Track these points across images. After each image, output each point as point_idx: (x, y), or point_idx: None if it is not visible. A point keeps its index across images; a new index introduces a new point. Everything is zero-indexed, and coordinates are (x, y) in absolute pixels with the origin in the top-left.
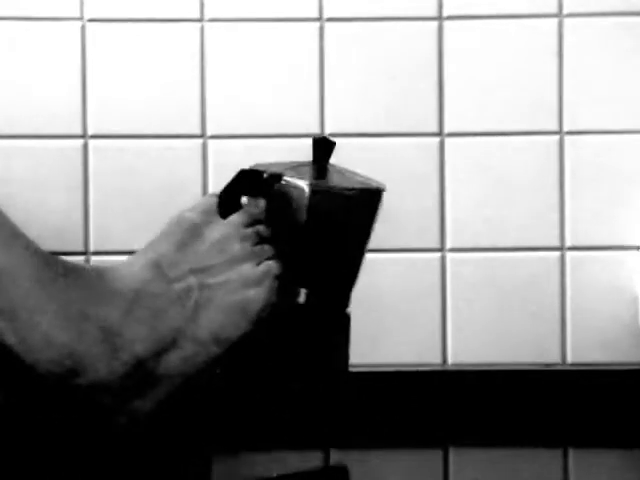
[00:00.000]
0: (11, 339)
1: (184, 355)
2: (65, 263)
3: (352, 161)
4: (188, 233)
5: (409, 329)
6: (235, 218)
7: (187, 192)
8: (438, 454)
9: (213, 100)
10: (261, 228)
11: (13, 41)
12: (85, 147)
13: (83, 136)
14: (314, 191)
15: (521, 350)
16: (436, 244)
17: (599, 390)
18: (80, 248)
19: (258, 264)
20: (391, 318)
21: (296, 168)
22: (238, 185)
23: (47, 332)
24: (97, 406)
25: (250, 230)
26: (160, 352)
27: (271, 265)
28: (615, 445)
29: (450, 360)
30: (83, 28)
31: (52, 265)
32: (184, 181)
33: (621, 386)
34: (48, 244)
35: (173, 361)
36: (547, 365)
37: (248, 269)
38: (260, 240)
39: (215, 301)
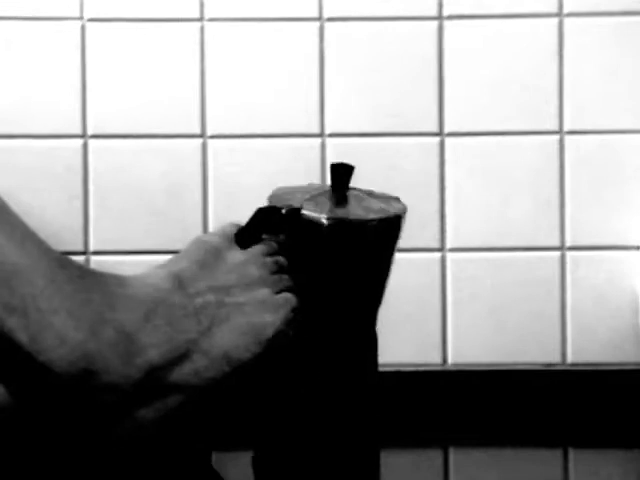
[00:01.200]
0: (23, 337)
1: (195, 368)
2: (82, 266)
3: (352, 161)
4: (209, 254)
5: (409, 329)
6: (256, 248)
7: (187, 192)
8: (438, 454)
9: (213, 100)
10: (281, 259)
11: (13, 41)
12: (85, 147)
13: (83, 136)
14: (332, 225)
15: (521, 350)
16: (436, 244)
17: (599, 390)
18: (80, 248)
19: (276, 292)
20: (391, 318)
21: (315, 198)
22: (257, 224)
23: (60, 331)
24: (106, 409)
25: (270, 259)
26: (173, 362)
27: (289, 296)
28: (615, 445)
29: (450, 360)
30: (83, 28)
31: (67, 266)
32: (184, 181)
33: (621, 386)
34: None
35: (184, 373)
36: (547, 365)
37: (265, 294)
38: (279, 270)
39: (230, 320)
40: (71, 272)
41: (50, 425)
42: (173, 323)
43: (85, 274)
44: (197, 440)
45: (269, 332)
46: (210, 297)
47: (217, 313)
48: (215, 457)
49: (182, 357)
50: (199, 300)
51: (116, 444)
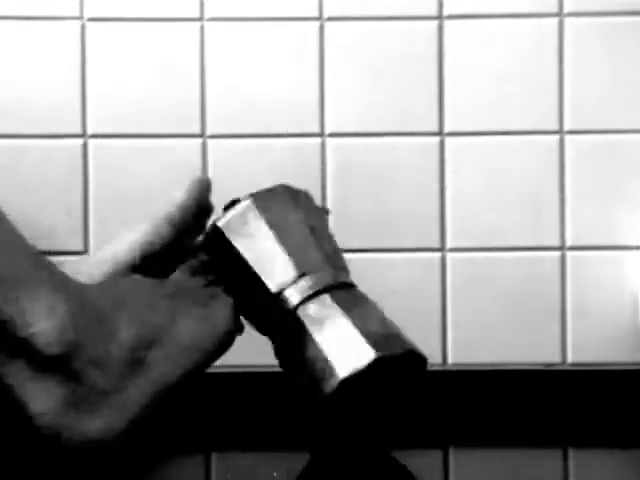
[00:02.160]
0: (11, 310)
1: (168, 354)
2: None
3: (352, 161)
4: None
5: (409, 329)
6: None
7: None
8: (438, 454)
9: (213, 100)
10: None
11: (13, 41)
12: (85, 147)
13: (83, 136)
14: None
15: (521, 350)
16: (436, 244)
17: (599, 390)
18: (80, 248)
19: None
20: (391, 318)
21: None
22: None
23: (49, 302)
24: (92, 386)
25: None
26: (147, 345)
27: (227, 298)
28: (615, 445)
29: (450, 360)
30: (83, 28)
31: (39, 253)
32: (184, 181)
33: (621, 386)
34: (48, 244)
35: (159, 356)
36: (547, 365)
37: (207, 296)
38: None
39: (191, 313)
40: (44, 257)
41: (42, 409)
42: (143, 308)
43: (57, 260)
44: (196, 440)
45: (223, 326)
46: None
47: (177, 306)
48: (215, 457)
49: (154, 341)
50: (162, 290)
51: (102, 426)
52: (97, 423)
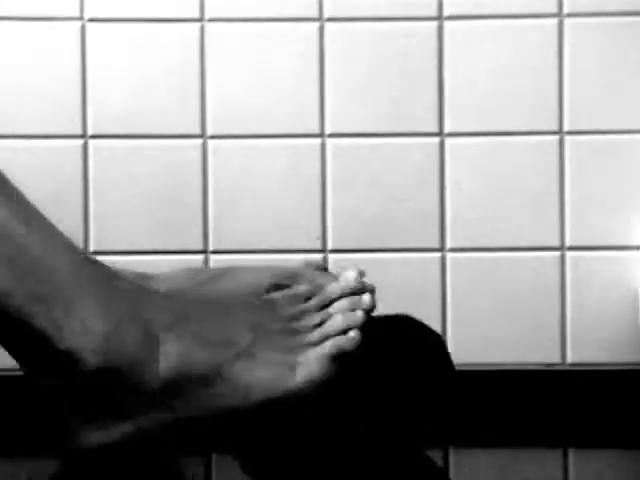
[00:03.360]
0: (46, 325)
1: (212, 392)
2: (109, 267)
3: (352, 161)
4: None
5: None
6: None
7: (187, 192)
8: (438, 454)
9: (213, 100)
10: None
11: (13, 41)
12: (85, 147)
13: (83, 136)
14: None
15: (521, 350)
16: (436, 244)
17: (599, 390)
18: (80, 248)
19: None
20: None
21: None
22: None
23: (85, 320)
24: (114, 407)
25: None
26: (189, 379)
27: (322, 359)
28: (615, 445)
29: None
30: (83, 28)
31: (92, 260)
32: (184, 181)
33: (621, 386)
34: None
35: (198, 393)
36: (547, 365)
37: (300, 346)
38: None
39: (258, 358)
40: (95, 266)
41: (63, 413)
42: (199, 340)
43: (110, 270)
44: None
45: (291, 384)
46: (247, 333)
47: (248, 348)
48: (215, 457)
49: (200, 377)
50: (233, 328)
51: (112, 443)
52: (98, 436)
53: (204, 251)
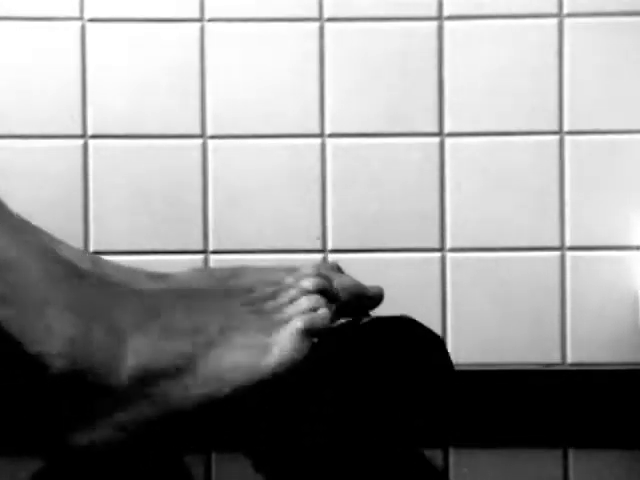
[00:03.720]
0: (15, 328)
1: (184, 384)
2: (78, 266)
3: (352, 161)
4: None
5: None
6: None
7: (187, 192)
8: (438, 454)
9: (213, 100)
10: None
11: (13, 41)
12: (85, 147)
13: (83, 136)
14: None
15: (521, 350)
16: (436, 244)
17: (599, 390)
18: (80, 248)
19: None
20: None
21: None
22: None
23: (51, 323)
24: (87, 408)
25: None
26: (159, 373)
27: (295, 342)
28: (615, 445)
29: None
30: (83, 28)
31: (62, 262)
32: (184, 181)
33: (621, 386)
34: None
35: (170, 386)
36: (547, 365)
37: (271, 326)
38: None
39: (230, 343)
40: (67, 268)
41: (33, 417)
42: (168, 333)
43: (82, 272)
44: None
45: (265, 365)
46: (216, 319)
47: (218, 334)
48: (215, 457)
49: (171, 369)
50: (202, 316)
51: (90, 445)
52: (83, 438)
53: (204, 251)
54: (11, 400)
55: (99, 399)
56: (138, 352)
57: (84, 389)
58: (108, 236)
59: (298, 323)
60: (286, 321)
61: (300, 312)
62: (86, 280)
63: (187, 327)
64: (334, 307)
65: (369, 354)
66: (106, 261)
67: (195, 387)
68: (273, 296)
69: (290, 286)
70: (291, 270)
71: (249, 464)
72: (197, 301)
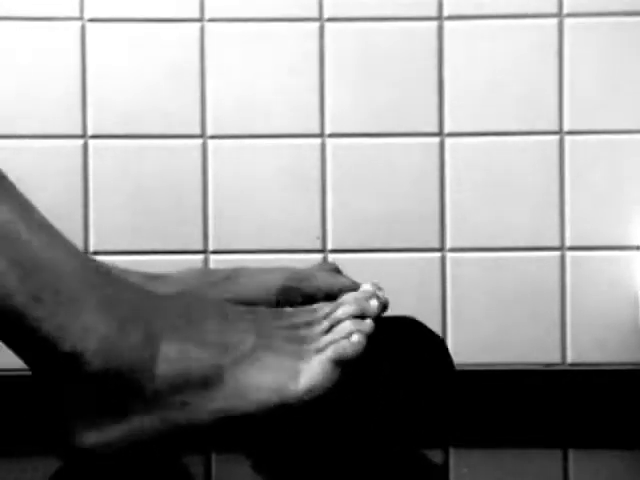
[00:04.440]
0: (49, 327)
1: (209, 396)
2: (110, 267)
3: (352, 161)
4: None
5: None
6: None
7: (187, 192)
8: (438, 454)
9: (213, 100)
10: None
11: (13, 41)
12: (85, 147)
13: (83, 136)
14: None
15: (521, 350)
16: (436, 244)
17: (599, 390)
18: (80, 248)
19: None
20: None
21: None
22: None
23: (87, 322)
24: (115, 407)
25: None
26: (188, 383)
27: (325, 368)
28: (615, 445)
29: None
30: (83, 28)
31: (94, 262)
32: (184, 181)
33: (621, 386)
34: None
35: (196, 395)
36: (547, 365)
37: (305, 354)
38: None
39: (261, 362)
40: (99, 269)
41: (64, 413)
42: (200, 344)
43: (113, 273)
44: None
45: (291, 390)
46: (249, 337)
47: (250, 352)
48: (215, 457)
49: (199, 379)
50: (236, 333)
51: (104, 445)
52: (95, 437)
53: (204, 251)
54: (43, 398)
55: (128, 399)
56: (170, 357)
57: (113, 388)
58: (108, 236)
59: (329, 352)
60: (319, 350)
61: (333, 341)
62: (117, 281)
63: (219, 340)
64: (369, 330)
65: (370, 353)
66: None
67: (218, 400)
68: (309, 324)
69: (327, 314)
70: (305, 277)
71: (249, 464)
72: (232, 315)
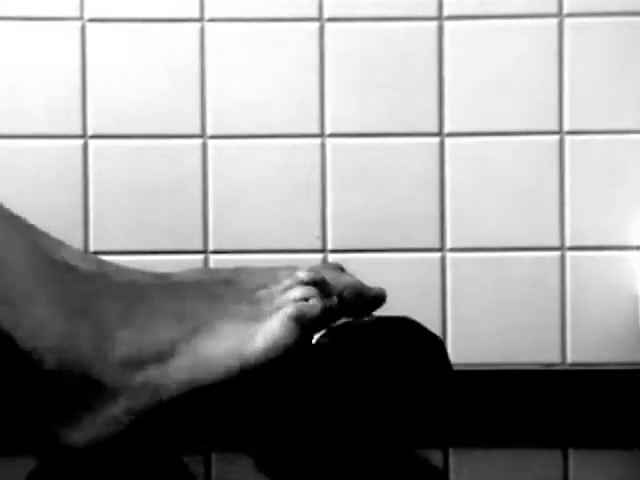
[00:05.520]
0: (8, 325)
1: (168, 370)
2: (68, 261)
3: (352, 161)
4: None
5: None
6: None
7: (187, 192)
8: (438, 454)
9: (213, 100)
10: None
11: (13, 41)
12: (85, 147)
13: (83, 136)
14: None
15: (521, 350)
16: (436, 244)
17: (599, 390)
18: (80, 248)
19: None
20: None
21: None
22: None
23: (40, 319)
24: (77, 401)
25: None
26: (145, 361)
27: (287, 329)
28: (615, 445)
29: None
30: (83, 28)
31: (52, 262)
32: (184, 181)
33: (621, 386)
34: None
35: (156, 373)
36: (547, 365)
37: (260, 314)
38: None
39: (216, 330)
40: (53, 265)
41: (26, 415)
42: (151, 321)
43: (69, 268)
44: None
45: (252, 350)
46: (203, 306)
47: (205, 321)
48: (215, 457)
49: (154, 355)
50: (188, 304)
51: (83, 441)
52: (77, 434)
53: (204, 251)
54: (5, 398)
55: (89, 393)
56: (124, 342)
57: (74, 384)
58: (108, 236)
59: (287, 310)
60: (277, 309)
61: (291, 300)
62: (72, 275)
63: (171, 313)
64: (331, 302)
65: (368, 354)
66: (109, 263)
67: (179, 373)
68: (264, 287)
69: (283, 278)
70: (290, 269)
71: (249, 464)
72: (183, 290)
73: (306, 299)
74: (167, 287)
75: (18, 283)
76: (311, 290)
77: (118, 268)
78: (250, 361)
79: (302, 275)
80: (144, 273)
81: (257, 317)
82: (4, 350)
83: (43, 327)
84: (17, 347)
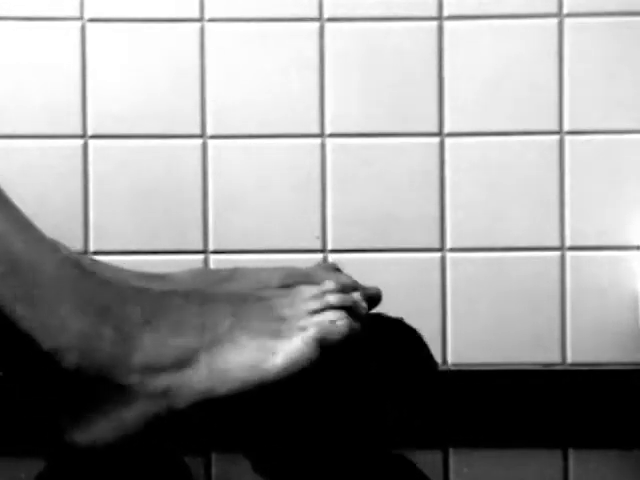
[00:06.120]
0: (30, 325)
1: (186, 378)
2: (86, 265)
3: (352, 161)
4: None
5: None
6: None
7: (187, 192)
8: (438, 454)
9: (213, 100)
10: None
11: (13, 41)
12: (85, 147)
13: (83, 136)
14: None
15: (521, 350)
16: (436, 244)
17: (599, 390)
18: (80, 248)
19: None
20: None
21: None
22: None
23: (65, 320)
24: (94, 403)
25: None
26: (164, 368)
27: (306, 346)
28: (615, 445)
29: (450, 360)
30: (83, 28)
31: (75, 264)
32: (184, 181)
33: (621, 386)
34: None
35: (174, 380)
36: (547, 365)
37: (286, 331)
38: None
39: (237, 343)
40: (77, 267)
41: (50, 414)
42: (175, 330)
43: (90, 271)
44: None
45: (270, 367)
46: (226, 318)
47: (227, 333)
48: (215, 457)
49: (174, 363)
50: (212, 315)
51: (91, 443)
52: (82, 435)
53: (204, 251)
54: (24, 396)
55: (104, 395)
56: (145, 347)
57: (90, 384)
58: (108, 236)
59: (311, 331)
60: (301, 329)
61: (318, 323)
62: (93, 278)
63: (194, 323)
64: (356, 326)
65: (353, 354)
66: (99, 261)
67: (196, 382)
68: (290, 304)
69: (313, 297)
70: (305, 276)
71: (249, 464)
72: (209, 302)
73: (333, 322)
74: (192, 296)
75: (42, 283)
76: (339, 314)
77: (106, 266)
78: (268, 377)
79: (332, 300)
80: (129, 272)
81: (280, 334)
82: (22, 348)
83: (65, 327)
84: (36, 345)
